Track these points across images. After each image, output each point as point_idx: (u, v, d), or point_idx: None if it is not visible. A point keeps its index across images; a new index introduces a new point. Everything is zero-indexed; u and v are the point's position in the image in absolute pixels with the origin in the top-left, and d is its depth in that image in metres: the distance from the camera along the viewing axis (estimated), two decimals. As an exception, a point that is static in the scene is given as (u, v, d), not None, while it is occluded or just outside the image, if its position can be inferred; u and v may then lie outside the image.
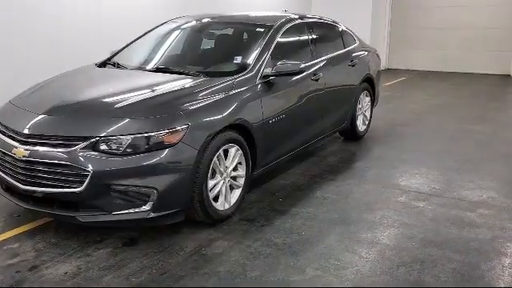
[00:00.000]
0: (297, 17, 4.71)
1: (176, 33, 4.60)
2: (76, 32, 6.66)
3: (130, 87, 3.60)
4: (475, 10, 12.58)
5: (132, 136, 2.93)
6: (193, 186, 3.12)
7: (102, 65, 4.29)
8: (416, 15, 13.36)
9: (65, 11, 6.55)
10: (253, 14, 4.90)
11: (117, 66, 4.17)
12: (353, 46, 5.58)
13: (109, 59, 4.38)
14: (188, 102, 3.22)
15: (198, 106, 3.23)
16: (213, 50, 4.45)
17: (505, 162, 5.01)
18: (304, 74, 4.29)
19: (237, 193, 3.58)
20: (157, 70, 3.96)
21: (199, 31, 4.60)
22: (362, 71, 5.57)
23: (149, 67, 4.05)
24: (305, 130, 4.43)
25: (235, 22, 4.60)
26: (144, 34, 4.72)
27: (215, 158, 3.26)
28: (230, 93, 3.48)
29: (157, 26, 4.80)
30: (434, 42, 13.15)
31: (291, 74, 3.88)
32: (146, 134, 2.94)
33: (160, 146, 2.96)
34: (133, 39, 4.69)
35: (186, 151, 3.03)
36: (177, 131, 3.01)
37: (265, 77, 3.82)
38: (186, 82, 3.57)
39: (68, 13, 6.59)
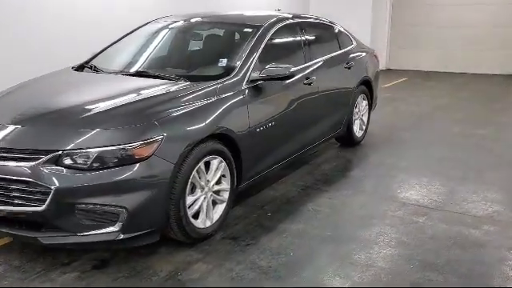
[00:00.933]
0: (289, 16, 4.42)
1: (159, 34, 4.31)
2: (48, 34, 6.26)
3: (104, 94, 3.31)
4: (479, 8, 12.25)
5: (99, 149, 2.64)
6: (168, 204, 2.83)
7: (80, 68, 4.01)
8: (418, 13, 13.03)
9: (38, 11, 6.15)
10: (242, 13, 4.61)
11: (94, 69, 3.89)
12: (349, 48, 5.28)
13: (86, 62, 4.10)
14: (164, 110, 2.93)
15: (176, 114, 2.94)
16: (196, 52, 4.16)
17: (510, 169, 4.72)
18: (296, 77, 4.00)
19: (220, 208, 3.29)
20: (136, 74, 3.67)
21: (183, 32, 4.30)
22: (359, 74, 5.27)
23: (128, 71, 3.76)
24: (297, 137, 4.14)
25: (222, 22, 4.30)
26: (126, 35, 4.43)
27: (194, 172, 2.97)
28: (213, 99, 3.19)
29: (139, 27, 4.50)
30: (437, 41, 12.83)
31: (281, 78, 3.59)
32: (114, 147, 2.65)
33: (131, 159, 2.67)
34: (114, 40, 4.40)
35: (160, 165, 2.75)
36: (150, 143, 2.72)
37: (252, 81, 3.53)
38: (165, 87, 3.28)
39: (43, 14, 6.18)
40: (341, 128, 5.05)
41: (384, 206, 3.78)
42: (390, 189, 4.17)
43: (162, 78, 3.48)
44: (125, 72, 3.74)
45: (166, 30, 4.35)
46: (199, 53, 4.13)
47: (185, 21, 4.36)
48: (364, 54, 5.56)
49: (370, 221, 3.51)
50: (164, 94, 3.13)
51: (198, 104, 3.09)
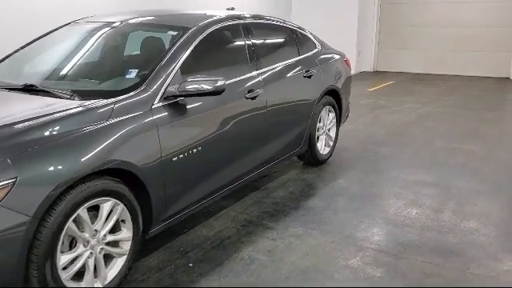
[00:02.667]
0: (231, 16, 3.69)
1: (73, 38, 3.58)
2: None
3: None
4: (471, 6, 11.53)
5: None
6: (29, 268, 2.11)
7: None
8: (407, 12, 12.29)
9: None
10: (175, 13, 3.87)
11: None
12: (311, 53, 4.55)
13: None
14: (25, 142, 2.18)
15: (42, 147, 2.20)
16: (104, 60, 3.39)
17: (497, 196, 3.99)
18: (233, 91, 3.29)
19: (119, 263, 2.57)
20: (24, 88, 2.92)
21: (99, 36, 3.52)
22: (324, 83, 4.54)
23: (16, 84, 2.99)
24: (235, 163, 3.40)
25: (145, 24, 3.54)
26: (37, 39, 3.70)
27: (70, 223, 2.24)
28: (104, 123, 2.46)
29: (54, 30, 3.77)
30: (427, 41, 12.10)
31: (204, 94, 2.85)
32: None
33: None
34: (22, 45, 3.67)
35: (8, 219, 2.02)
36: (-6, 189, 2.00)
37: (169, 98, 2.80)
38: (42, 108, 2.53)
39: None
40: (300, 146, 4.32)
41: (336, 252, 3.05)
42: (348, 225, 3.44)
43: (51, 94, 2.74)
44: (13, 85, 2.98)
45: (82, 34, 3.60)
46: (110, 61, 3.38)
47: (106, 22, 3.61)
48: (331, 59, 4.83)
49: (313, 274, 2.78)
50: (35, 118, 2.38)
51: (81, 131, 2.35)
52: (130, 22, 3.54)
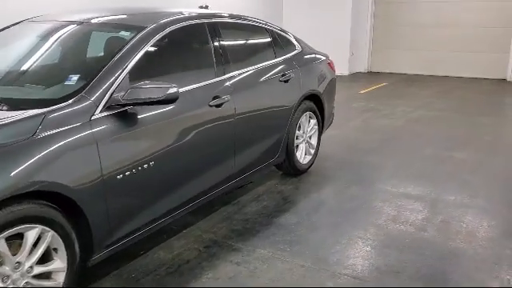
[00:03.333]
0: (196, 15, 3.36)
1: (18, 39, 3.26)
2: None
3: None
4: (466, 5, 11.20)
5: None
6: None
7: None
8: (403, 11, 11.96)
9: None
10: (136, 11, 3.53)
11: None
12: (290, 55, 4.22)
13: None
14: None
15: None
16: (51, 63, 3.05)
17: (487, 213, 3.67)
18: (192, 98, 2.97)
19: (51, 297, 2.25)
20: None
21: (44, 36, 3.19)
22: (303, 87, 4.21)
23: None
24: (197, 178, 3.08)
25: (98, 24, 3.18)
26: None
27: (-17, 256, 1.93)
28: (31, 138, 2.13)
29: (4, 28, 3.45)
30: (423, 41, 11.77)
31: (155, 102, 2.53)
32: None
33: None
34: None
35: None
36: None
37: (112, 107, 2.48)
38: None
39: None
40: (277, 156, 4.00)
41: (306, 279, 2.73)
42: (321, 247, 3.12)
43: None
44: None
45: (31, 33, 3.29)
46: (57, 65, 3.03)
47: (59, 22, 3.27)
48: (312, 62, 4.51)
49: (276, 308, 2.47)
50: None
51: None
52: (85, 21, 3.20)
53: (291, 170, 4.32)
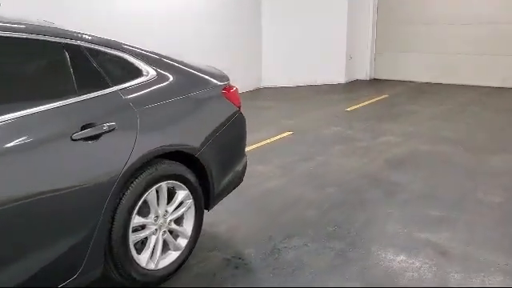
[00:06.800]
0: None
1: None
2: None
3: None
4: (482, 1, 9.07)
5: None
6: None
7: None
8: (412, 4, 9.85)
9: None
10: None
11: None
12: (117, 88, 2.37)
13: None
14: None
15: None
16: None
17: None
18: None
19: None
20: None
21: None
22: (145, 142, 2.38)
23: None
24: None
25: None
26: None
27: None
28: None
29: None
30: (435, 42, 9.67)
31: None
32: None
33: None
34: None
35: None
36: None
37: None
38: None
39: None
40: (81, 269, 2.20)
41: None
42: None
43: None
44: None
45: None
46: None
47: None
48: (180, 94, 2.67)
49: None
50: None
51: None
52: None
53: (131, 282, 2.50)
